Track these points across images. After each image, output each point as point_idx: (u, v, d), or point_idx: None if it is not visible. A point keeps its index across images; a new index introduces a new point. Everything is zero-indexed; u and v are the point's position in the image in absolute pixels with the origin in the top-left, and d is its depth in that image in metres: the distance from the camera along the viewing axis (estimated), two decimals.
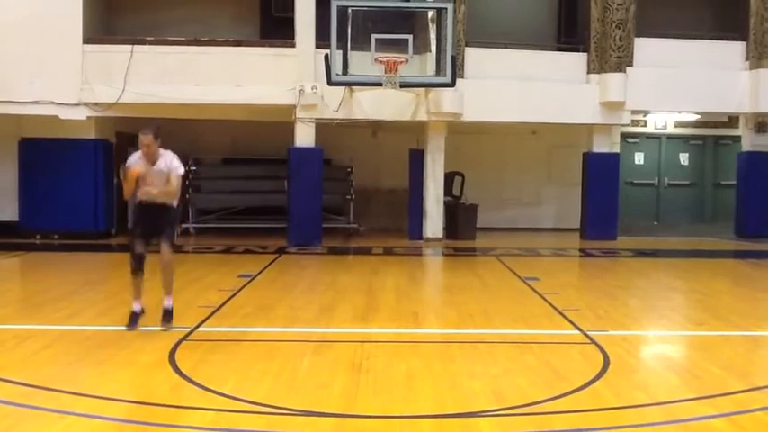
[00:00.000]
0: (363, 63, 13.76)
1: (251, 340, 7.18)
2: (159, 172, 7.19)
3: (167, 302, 7.43)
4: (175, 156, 7.32)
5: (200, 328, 7.49)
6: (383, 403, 5.30)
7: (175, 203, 7.44)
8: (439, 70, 14.34)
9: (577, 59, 16.39)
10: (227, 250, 14.20)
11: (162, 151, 7.24)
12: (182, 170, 7.32)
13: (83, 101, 14.75)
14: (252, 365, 6.20)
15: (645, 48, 16.16)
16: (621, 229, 16.78)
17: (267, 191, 16.87)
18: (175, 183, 7.21)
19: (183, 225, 16.31)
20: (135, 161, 7.23)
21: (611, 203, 16.57)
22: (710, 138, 21.02)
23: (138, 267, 7.32)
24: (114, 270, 11.74)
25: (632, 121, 17.44)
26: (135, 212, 7.60)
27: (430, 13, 14.61)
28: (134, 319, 7.33)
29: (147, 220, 7.31)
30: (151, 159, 7.17)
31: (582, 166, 16.95)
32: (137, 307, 7.39)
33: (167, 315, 7.40)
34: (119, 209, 15.62)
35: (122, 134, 16.08)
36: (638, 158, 20.88)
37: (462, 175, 16.89)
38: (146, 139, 7.12)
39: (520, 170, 18.81)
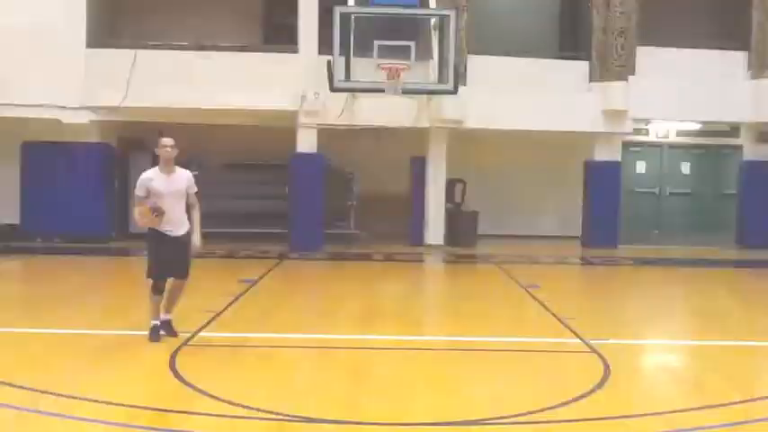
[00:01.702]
0: (366, 69, 13.77)
1: (252, 346, 7.19)
2: (177, 191, 7.08)
3: (168, 316, 7.31)
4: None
5: (200, 334, 7.49)
6: (383, 410, 5.30)
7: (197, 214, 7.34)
8: (441, 77, 14.34)
9: (579, 67, 16.40)
10: (229, 255, 14.20)
11: (179, 168, 7.18)
12: (196, 189, 7.30)
13: (85, 105, 14.78)
14: (253, 371, 6.21)
15: (647, 56, 16.15)
16: (622, 237, 16.77)
17: (269, 196, 16.85)
18: (194, 196, 7.24)
19: None
20: (149, 178, 7.05)
21: (612, 212, 16.58)
22: (712, 147, 20.93)
23: (159, 290, 7.16)
24: (115, 274, 11.78)
25: (634, 129, 17.42)
26: (152, 242, 7.13)
27: (433, 21, 14.63)
28: (155, 331, 7.13)
29: (167, 255, 7.05)
30: (170, 165, 7.08)
31: (583, 174, 16.95)
32: (157, 321, 7.19)
33: (169, 326, 7.28)
34: (120, 213, 15.63)
35: (125, 138, 16.11)
36: (640, 167, 20.81)
37: (464, 182, 16.89)
38: (169, 141, 7.06)
39: (521, 177, 18.78)
